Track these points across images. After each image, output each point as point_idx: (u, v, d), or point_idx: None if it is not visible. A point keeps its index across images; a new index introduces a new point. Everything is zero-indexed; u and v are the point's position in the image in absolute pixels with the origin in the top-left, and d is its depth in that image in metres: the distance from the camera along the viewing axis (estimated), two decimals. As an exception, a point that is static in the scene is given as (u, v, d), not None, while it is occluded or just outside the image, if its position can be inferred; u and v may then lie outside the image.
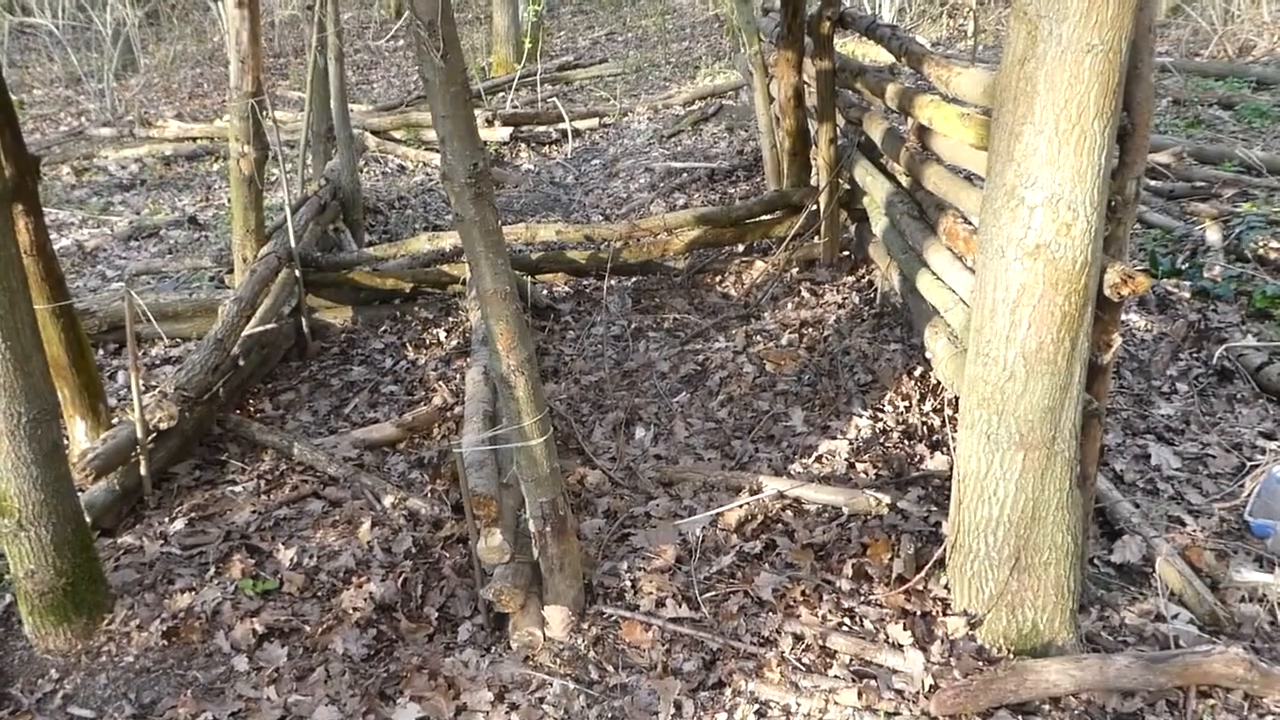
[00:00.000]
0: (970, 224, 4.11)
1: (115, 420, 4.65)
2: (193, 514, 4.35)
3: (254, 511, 4.38)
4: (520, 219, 8.45)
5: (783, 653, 3.38)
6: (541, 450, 3.34)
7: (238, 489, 4.56)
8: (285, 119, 10.63)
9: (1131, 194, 3.01)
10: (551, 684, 3.33)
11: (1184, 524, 3.88)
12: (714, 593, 3.71)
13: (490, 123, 10.55)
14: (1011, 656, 3.27)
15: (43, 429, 3.38)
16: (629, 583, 3.76)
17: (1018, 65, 2.80)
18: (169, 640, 3.62)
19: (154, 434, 4.47)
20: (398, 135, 10.91)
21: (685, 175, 8.91)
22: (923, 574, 3.61)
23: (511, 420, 3.32)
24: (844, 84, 6.22)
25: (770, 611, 3.58)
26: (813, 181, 6.72)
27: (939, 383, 4.82)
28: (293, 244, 5.89)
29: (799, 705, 3.16)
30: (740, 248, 6.94)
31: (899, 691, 3.19)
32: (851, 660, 3.34)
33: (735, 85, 11.19)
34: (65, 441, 4.03)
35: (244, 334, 5.27)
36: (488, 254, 3.10)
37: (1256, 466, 4.15)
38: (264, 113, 5.57)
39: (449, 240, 6.43)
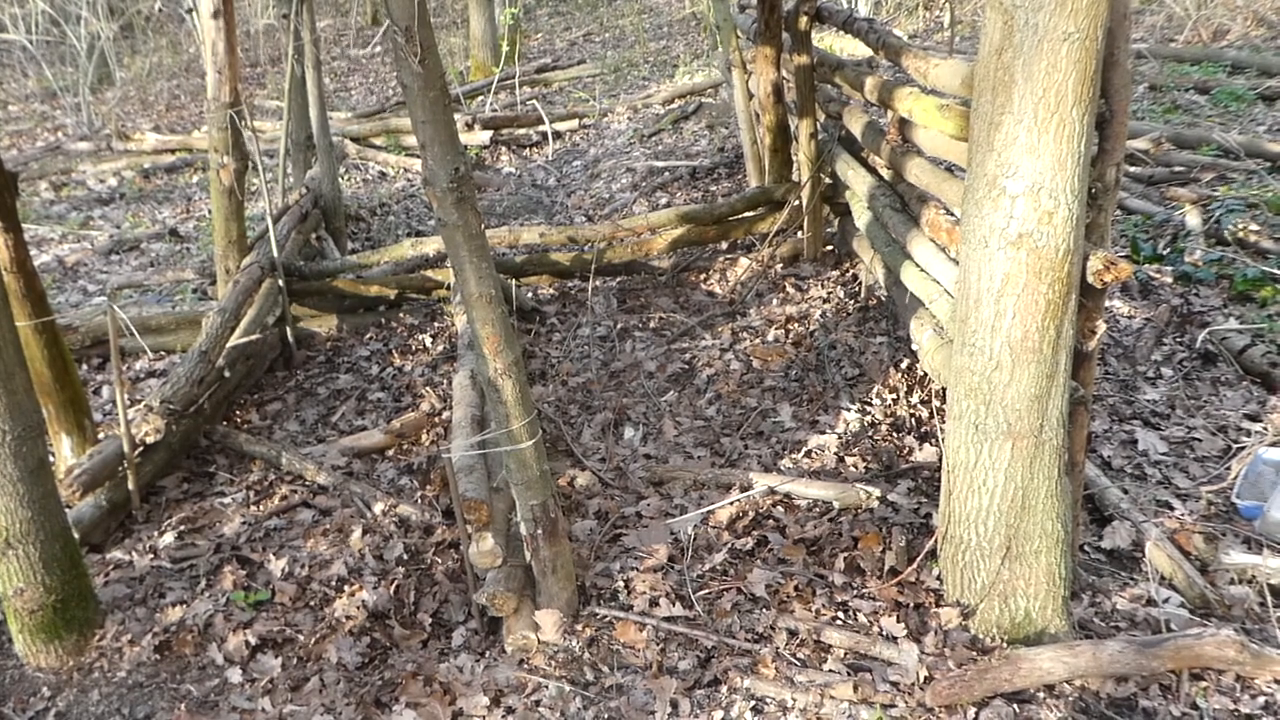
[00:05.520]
0: (953, 215, 4.13)
1: (101, 435, 4.63)
2: (182, 527, 4.33)
3: (244, 522, 4.36)
4: (503, 222, 8.44)
5: (777, 648, 3.39)
6: (531, 453, 3.34)
7: (227, 500, 4.54)
8: (264, 128, 10.58)
9: (1112, 181, 3.03)
10: (547, 686, 3.33)
11: (1172, 508, 3.91)
12: (707, 591, 3.71)
13: (470, 127, 10.54)
14: (1005, 645, 3.29)
15: (28, 446, 3.36)
16: (622, 583, 3.76)
17: (995, 55, 2.81)
18: (161, 654, 3.60)
19: (140, 448, 4.45)
20: (378, 142, 10.88)
21: (667, 174, 8.91)
22: (914, 566, 3.62)
23: (500, 424, 3.31)
24: (823, 78, 6.23)
25: (764, 608, 3.58)
26: (794, 177, 6.73)
27: (926, 374, 4.83)
28: (275, 254, 5.86)
29: (795, 700, 3.17)
30: (724, 245, 6.95)
31: (894, 684, 3.20)
32: (846, 654, 3.35)
33: (714, 83, 11.20)
34: (51, 458, 4.00)
35: (229, 345, 5.25)
36: (471, 258, 3.10)
37: (1242, 449, 4.17)
38: (243, 123, 5.54)
39: (432, 245, 6.41)
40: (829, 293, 6.12)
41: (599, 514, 4.26)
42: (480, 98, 12.47)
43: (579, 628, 3.55)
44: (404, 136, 10.72)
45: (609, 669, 3.40)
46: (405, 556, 4.07)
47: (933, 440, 4.45)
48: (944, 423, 3.42)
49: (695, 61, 13.11)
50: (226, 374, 5.26)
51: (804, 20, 5.96)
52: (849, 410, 4.81)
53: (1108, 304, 5.25)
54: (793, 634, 3.44)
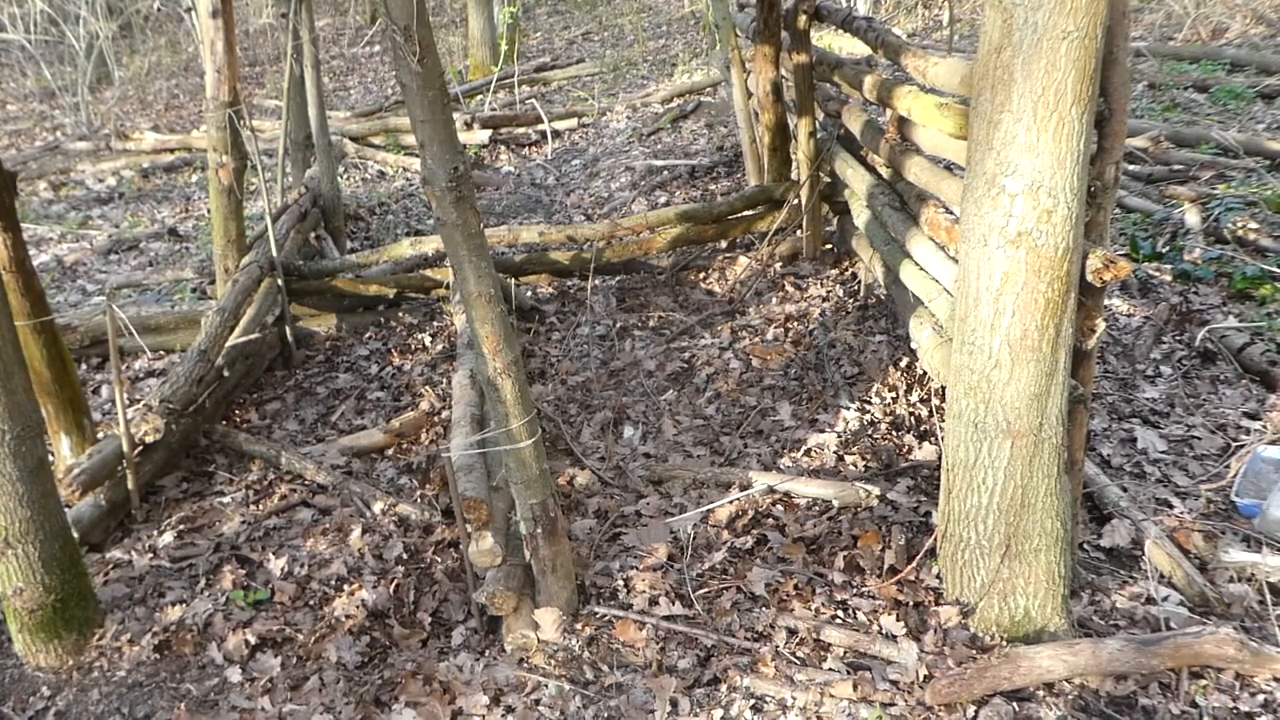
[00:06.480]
0: (952, 214, 4.12)
1: (100, 435, 4.63)
2: (181, 526, 4.33)
3: (243, 522, 4.36)
4: (502, 221, 8.44)
5: (777, 647, 3.39)
6: (530, 452, 3.34)
7: (226, 500, 4.54)
8: (263, 128, 10.58)
9: (1111, 179, 3.03)
10: (547, 685, 3.33)
11: (1172, 506, 3.91)
12: (707, 589, 3.71)
13: (469, 126, 10.53)
14: (1004, 644, 3.29)
15: (27, 446, 3.35)
16: (621, 582, 3.76)
17: (994, 54, 2.81)
18: (161, 654, 3.60)
19: (140, 447, 4.45)
20: (376, 141, 10.88)
21: (666, 173, 8.91)
22: (914, 564, 3.62)
23: (499, 423, 3.31)
24: (822, 77, 6.23)
25: (763, 606, 3.58)
26: (793, 176, 6.73)
27: (925, 373, 4.83)
28: (274, 253, 5.86)
29: (794, 699, 3.17)
30: (723, 244, 6.94)
31: (894, 682, 3.20)
32: (846, 652, 3.35)
33: (713, 82, 11.20)
34: (50, 458, 4.01)
35: (228, 344, 5.25)
36: (471, 257, 3.10)
37: (1241, 447, 4.18)
38: (241, 122, 5.54)
39: (431, 245, 6.41)
40: (828, 291, 6.12)
41: (598, 513, 4.26)
42: (479, 97, 12.47)
43: (579, 627, 3.55)
44: (403, 135, 10.72)
45: (609, 668, 3.40)
46: (405, 556, 4.07)
47: (932, 439, 4.46)
48: (943, 421, 3.42)
49: (694, 60, 13.10)
50: (225, 373, 5.26)
51: (803, 19, 5.96)
52: (848, 409, 4.81)
53: (1107, 302, 5.26)
54: (792, 632, 3.44)
